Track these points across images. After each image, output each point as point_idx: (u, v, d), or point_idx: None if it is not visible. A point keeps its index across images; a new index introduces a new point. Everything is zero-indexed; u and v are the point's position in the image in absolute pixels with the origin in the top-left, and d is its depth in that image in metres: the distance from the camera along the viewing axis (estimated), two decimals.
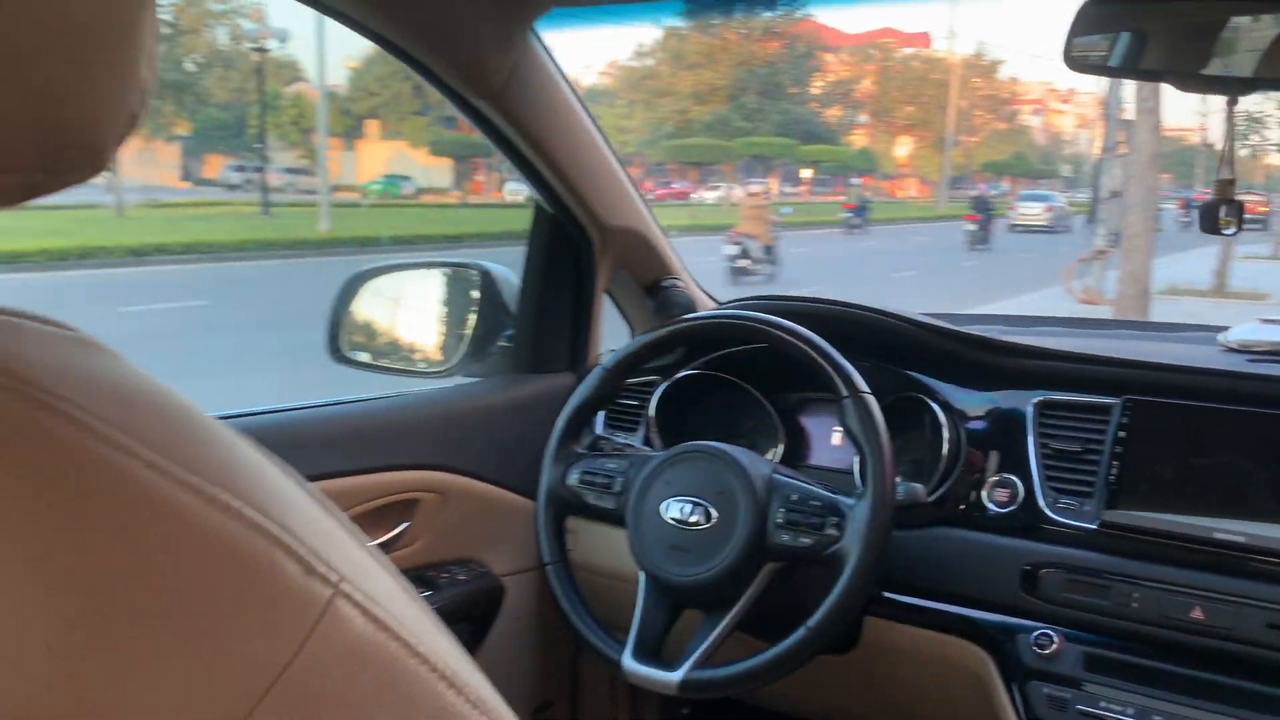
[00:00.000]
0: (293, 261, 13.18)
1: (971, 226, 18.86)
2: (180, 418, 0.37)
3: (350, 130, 35.55)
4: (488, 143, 1.35)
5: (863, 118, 42.97)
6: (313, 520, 0.39)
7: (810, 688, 1.35)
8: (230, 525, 0.35)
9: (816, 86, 41.71)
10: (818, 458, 1.41)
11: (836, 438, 1.40)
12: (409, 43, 1.16)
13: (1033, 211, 24.85)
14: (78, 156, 0.39)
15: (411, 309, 1.64)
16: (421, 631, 0.40)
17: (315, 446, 1.22)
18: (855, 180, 32.36)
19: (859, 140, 42.36)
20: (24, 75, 0.36)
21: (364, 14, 1.12)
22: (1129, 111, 9.84)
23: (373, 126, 36.10)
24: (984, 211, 19.18)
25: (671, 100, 36.85)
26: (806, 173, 40.50)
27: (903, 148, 43.31)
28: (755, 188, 15.62)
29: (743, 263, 12.16)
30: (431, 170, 34.44)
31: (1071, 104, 57.91)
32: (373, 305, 1.59)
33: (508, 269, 1.59)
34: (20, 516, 0.33)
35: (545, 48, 1.27)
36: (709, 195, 32.33)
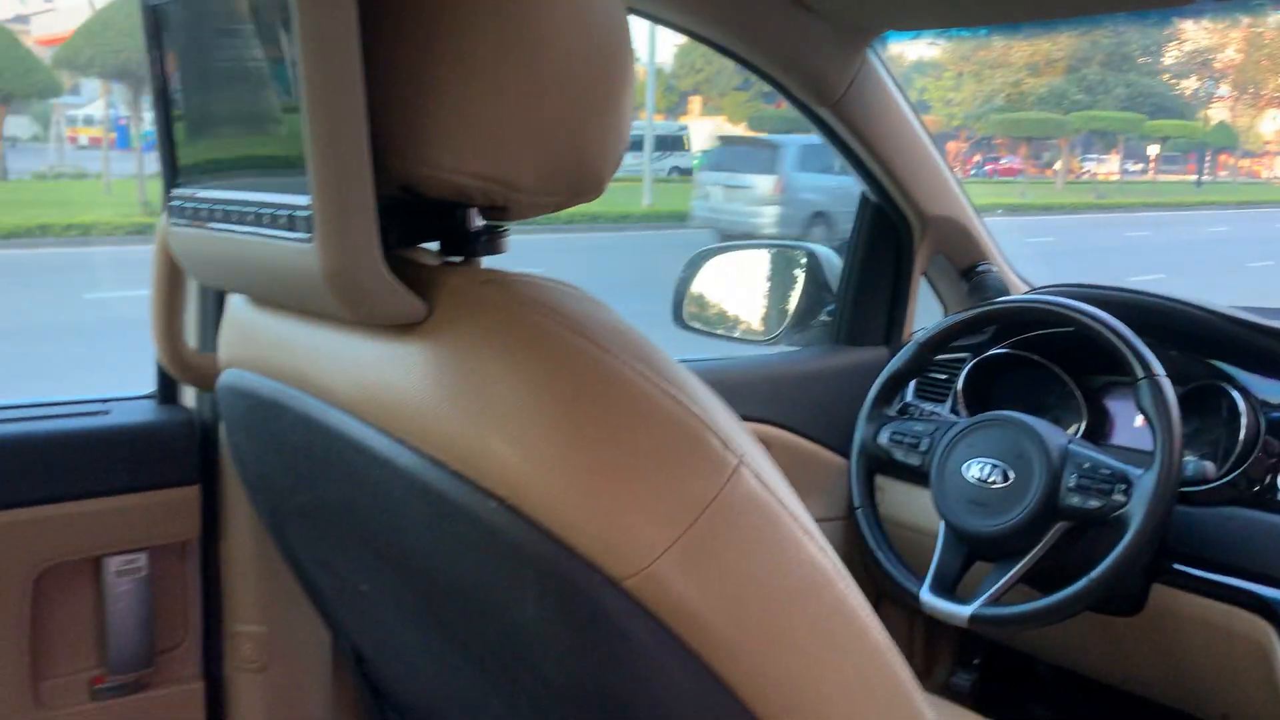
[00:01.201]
0: (618, 234, 13.97)
1: None
2: (649, 346, 0.62)
3: (674, 106, 36.71)
4: (805, 120, 1.54)
5: (1223, 89, 38.81)
6: (726, 418, 0.62)
7: (1098, 647, 1.46)
8: (682, 413, 0.59)
9: (1170, 56, 38.17)
10: (1119, 438, 1.50)
11: (1139, 420, 1.49)
12: (764, 63, 1.39)
13: None
14: (588, 187, 0.65)
15: (744, 284, 1.88)
16: (788, 496, 0.62)
17: None
18: None
19: (1216, 114, 38.32)
20: (568, 142, 0.62)
21: (725, 39, 1.36)
22: None
23: (695, 102, 37.05)
24: None
25: (1004, 72, 35.07)
26: (1153, 149, 37.24)
27: (1271, 123, 38.75)
28: None
29: None
30: None
31: None
32: (711, 280, 1.85)
33: (831, 251, 1.79)
34: (565, 399, 0.58)
35: (881, 61, 1.46)
36: None
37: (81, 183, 17.15)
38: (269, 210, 0.63)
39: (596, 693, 0.61)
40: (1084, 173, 35.86)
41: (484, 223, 0.69)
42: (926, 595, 1.31)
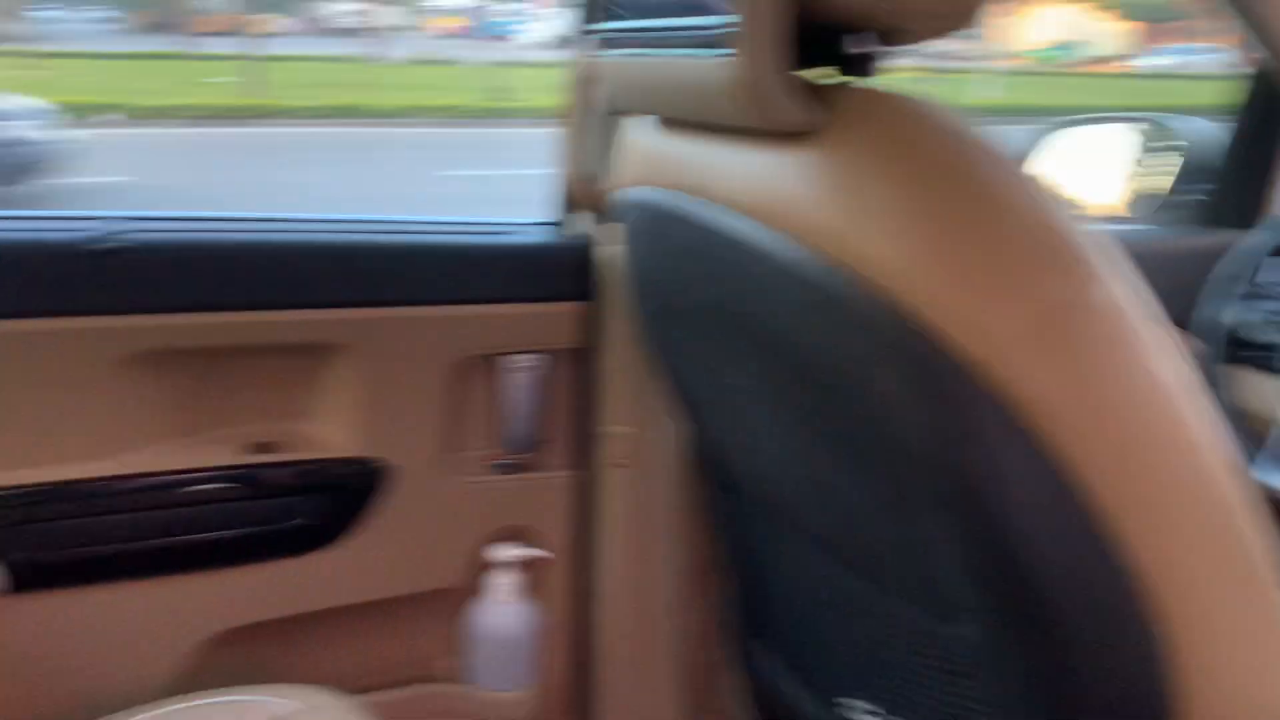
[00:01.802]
0: None
1: None
2: (1020, 160, 0.67)
3: None
4: (1181, 6, 1.44)
5: None
6: (1092, 230, 0.66)
7: None
8: (1048, 219, 0.65)
9: None
10: None
11: None
12: None
13: None
14: (966, 15, 0.70)
15: (1102, 161, 1.81)
16: (1147, 308, 0.66)
17: None
18: None
19: None
20: None
21: None
22: None
23: None
24: None
25: None
26: None
27: None
28: None
29: None
30: (1112, 37, 31.86)
31: None
32: (1064, 156, 1.80)
33: (1206, 125, 1.68)
34: (940, 202, 0.65)
35: None
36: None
37: (441, 69, 18.63)
38: (696, 31, 0.74)
39: (945, 466, 0.68)
40: None
41: (871, 48, 0.76)
42: (1258, 468, 1.27)
